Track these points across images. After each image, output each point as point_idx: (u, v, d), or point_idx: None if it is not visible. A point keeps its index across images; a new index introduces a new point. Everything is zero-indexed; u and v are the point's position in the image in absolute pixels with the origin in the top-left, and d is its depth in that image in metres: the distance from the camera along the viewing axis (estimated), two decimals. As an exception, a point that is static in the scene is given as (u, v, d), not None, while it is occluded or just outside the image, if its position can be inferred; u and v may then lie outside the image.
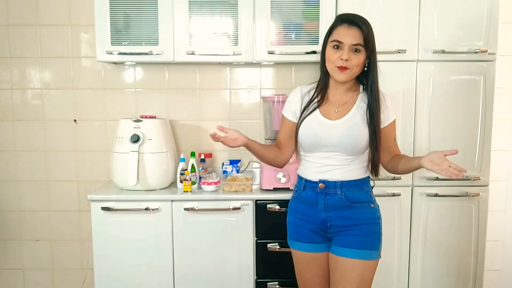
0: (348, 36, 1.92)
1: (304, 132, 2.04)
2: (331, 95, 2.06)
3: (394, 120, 2.04)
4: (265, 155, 2.16)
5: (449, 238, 2.68)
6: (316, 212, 2.02)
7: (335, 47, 1.94)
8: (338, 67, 1.93)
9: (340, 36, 1.93)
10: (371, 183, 2.09)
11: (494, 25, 2.57)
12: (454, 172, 1.78)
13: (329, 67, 1.98)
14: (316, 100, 2.06)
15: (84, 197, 3.05)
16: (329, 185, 1.99)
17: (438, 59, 2.59)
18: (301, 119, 2.06)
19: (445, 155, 1.81)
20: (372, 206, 2.03)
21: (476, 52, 2.57)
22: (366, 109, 1.99)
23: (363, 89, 2.05)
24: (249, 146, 2.09)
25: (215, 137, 2.00)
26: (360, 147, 1.97)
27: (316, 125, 2.01)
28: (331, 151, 1.99)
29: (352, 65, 1.92)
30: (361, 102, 2.01)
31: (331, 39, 1.96)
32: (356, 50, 1.93)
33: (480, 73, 2.59)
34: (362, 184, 2.02)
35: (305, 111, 2.06)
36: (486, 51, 2.57)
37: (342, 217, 1.99)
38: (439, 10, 2.56)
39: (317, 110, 2.04)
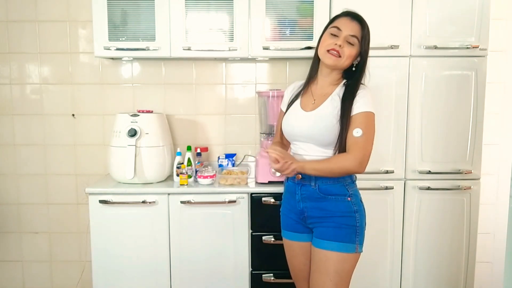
0: (348, 26, 1.98)
1: (284, 122, 2.12)
2: (315, 87, 2.11)
3: (362, 113, 1.95)
4: None
5: (441, 230, 2.70)
6: (295, 202, 2.08)
7: (333, 34, 1.99)
8: (329, 50, 1.97)
9: (340, 24, 1.99)
10: (353, 176, 2.09)
11: (485, 21, 2.60)
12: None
13: (321, 51, 2.02)
14: (300, 91, 2.13)
15: (82, 191, 3.10)
16: (305, 177, 2.03)
17: (430, 54, 2.61)
18: (286, 109, 2.15)
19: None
20: (349, 199, 2.01)
21: (467, 48, 2.60)
22: (340, 103, 2.00)
23: (343, 83, 2.07)
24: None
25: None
26: (328, 139, 1.98)
27: (292, 116, 2.09)
28: (306, 142, 2.05)
29: (343, 53, 1.97)
30: (336, 95, 2.03)
31: (331, 26, 2.02)
32: (351, 44, 1.97)
33: (472, 69, 2.62)
34: (338, 178, 2.01)
35: (290, 102, 2.14)
36: (478, 47, 2.60)
37: (317, 208, 2.02)
38: (432, 6, 2.59)
39: (298, 102, 2.10)
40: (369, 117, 1.97)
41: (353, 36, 1.97)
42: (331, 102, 2.02)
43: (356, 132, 1.93)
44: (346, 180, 2.04)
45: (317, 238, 2.02)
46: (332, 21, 2.05)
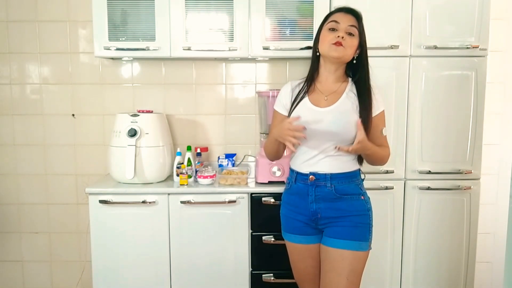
0: (344, 18, 2.02)
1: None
2: (320, 84, 2.11)
3: (382, 111, 2.07)
4: (279, 148, 2.17)
5: (441, 231, 2.70)
6: (307, 204, 2.06)
7: (331, 29, 2.02)
8: (333, 43, 1.99)
9: (337, 18, 2.03)
10: (362, 176, 2.12)
11: (485, 21, 2.60)
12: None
13: (324, 47, 2.03)
14: (306, 89, 2.12)
15: (82, 190, 3.10)
16: (319, 178, 2.03)
17: (430, 54, 2.61)
18: (292, 109, 2.10)
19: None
20: (362, 198, 2.05)
21: (467, 48, 2.60)
22: (357, 99, 2.03)
23: (352, 80, 2.10)
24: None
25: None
26: (350, 134, 1.98)
27: (305, 113, 2.04)
28: (320, 140, 2.02)
29: (347, 44, 1.99)
30: (350, 92, 2.06)
31: (328, 21, 2.05)
32: (351, 34, 2.01)
33: (472, 69, 2.61)
34: (352, 177, 2.05)
35: (295, 101, 2.10)
36: (478, 47, 2.59)
37: (332, 209, 2.02)
38: (432, 6, 2.59)
39: (306, 98, 2.08)
40: (384, 114, 2.10)
41: (352, 26, 2.01)
42: (348, 98, 2.04)
43: (384, 131, 2.06)
44: (358, 179, 2.08)
45: (331, 238, 2.02)
46: (326, 18, 2.09)
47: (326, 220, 2.04)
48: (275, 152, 2.20)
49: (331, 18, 2.04)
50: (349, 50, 2.01)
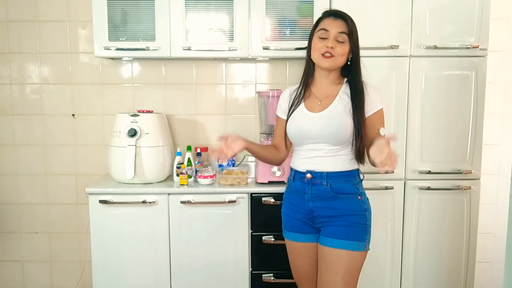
0: (334, 25, 2.01)
1: (290, 126, 2.12)
2: (315, 89, 2.13)
3: (379, 110, 2.06)
4: (264, 155, 2.22)
5: (441, 231, 2.70)
6: (303, 202, 2.07)
7: (321, 38, 2.02)
8: (323, 54, 2.00)
9: (326, 25, 2.02)
10: (361, 175, 2.12)
11: (485, 21, 2.60)
12: (388, 164, 1.71)
13: (315, 56, 2.05)
14: (301, 95, 2.14)
15: (82, 191, 3.10)
16: (316, 176, 2.04)
17: (430, 54, 2.61)
18: (289, 114, 2.14)
19: (388, 141, 1.76)
20: (359, 198, 2.05)
21: (467, 48, 2.60)
22: (349, 100, 2.03)
23: (346, 81, 2.10)
24: (249, 148, 2.13)
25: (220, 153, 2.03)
26: (344, 137, 2.00)
27: (300, 119, 2.08)
28: (317, 142, 2.04)
29: (337, 53, 2.00)
30: (343, 94, 2.06)
31: (317, 29, 2.05)
32: (341, 41, 2.00)
33: (472, 69, 2.61)
34: (349, 176, 2.05)
35: (292, 106, 2.14)
36: (478, 47, 2.59)
37: (328, 208, 2.02)
38: (432, 6, 2.59)
39: (302, 105, 2.11)
40: (382, 113, 2.07)
41: (341, 33, 2.00)
42: (340, 101, 2.05)
43: (382, 131, 2.00)
44: (356, 179, 2.08)
45: (327, 237, 2.02)
46: (316, 24, 2.09)
47: (322, 219, 2.04)
48: (263, 158, 2.25)
49: (321, 25, 2.04)
50: (340, 58, 2.02)
